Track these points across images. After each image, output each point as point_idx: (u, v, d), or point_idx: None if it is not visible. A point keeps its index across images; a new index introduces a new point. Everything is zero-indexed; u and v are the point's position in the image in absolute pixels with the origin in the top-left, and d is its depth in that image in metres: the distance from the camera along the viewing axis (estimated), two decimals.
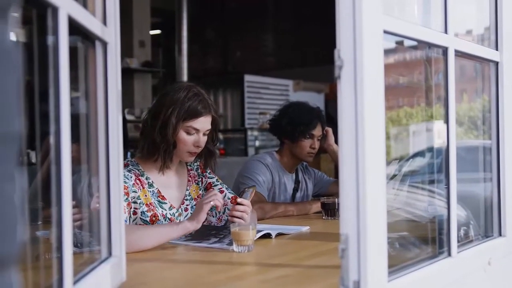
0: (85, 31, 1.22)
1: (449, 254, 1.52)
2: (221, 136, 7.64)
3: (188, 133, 2.20)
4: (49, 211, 1.09)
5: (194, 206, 2.32)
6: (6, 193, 0.58)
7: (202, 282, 1.56)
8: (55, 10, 1.01)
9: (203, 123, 2.22)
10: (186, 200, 2.34)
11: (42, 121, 1.07)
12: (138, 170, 2.23)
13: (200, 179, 2.42)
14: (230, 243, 1.92)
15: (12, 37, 0.60)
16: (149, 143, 2.22)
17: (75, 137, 1.19)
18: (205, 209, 2.00)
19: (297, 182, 3.16)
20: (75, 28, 1.13)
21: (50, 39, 1.04)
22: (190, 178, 2.39)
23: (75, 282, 1.10)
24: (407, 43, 1.56)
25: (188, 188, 2.36)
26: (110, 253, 1.38)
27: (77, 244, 1.33)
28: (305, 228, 2.36)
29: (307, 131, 3.00)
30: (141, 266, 1.74)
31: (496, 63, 1.82)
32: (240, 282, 1.56)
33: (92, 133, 1.39)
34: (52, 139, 1.03)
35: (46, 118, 1.05)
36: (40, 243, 1.33)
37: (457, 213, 1.57)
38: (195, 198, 2.37)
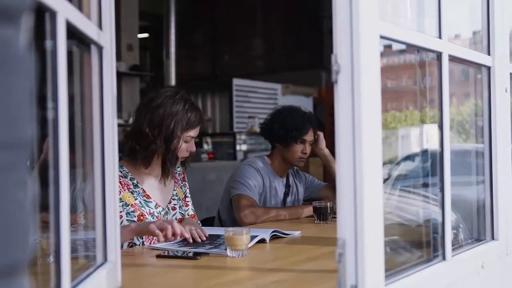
0: (81, 36, 1.22)
1: (444, 258, 1.53)
2: (209, 140, 7.63)
3: (186, 141, 2.32)
4: (42, 215, 1.08)
5: (182, 207, 2.45)
6: (18, 199, 0.57)
7: (197, 287, 1.55)
8: (53, 14, 1.00)
9: (198, 130, 2.37)
10: (174, 199, 2.43)
11: (38, 126, 1.06)
12: (121, 172, 2.25)
13: (183, 184, 2.54)
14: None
15: (25, 42, 0.60)
16: (149, 153, 2.28)
17: (69, 142, 1.19)
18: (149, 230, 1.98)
19: (288, 186, 3.16)
20: (71, 32, 1.12)
21: (47, 43, 1.03)
22: (176, 180, 2.48)
23: None
24: (395, 47, 1.57)
25: (175, 188, 2.45)
26: (105, 259, 1.38)
27: (72, 249, 1.32)
28: (297, 233, 2.36)
29: (299, 136, 3.00)
30: (136, 271, 1.73)
31: (488, 68, 1.83)
32: (235, 287, 1.56)
33: (87, 137, 1.38)
34: (50, 144, 1.02)
35: (43, 123, 1.04)
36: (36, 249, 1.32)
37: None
38: (182, 199, 2.47)
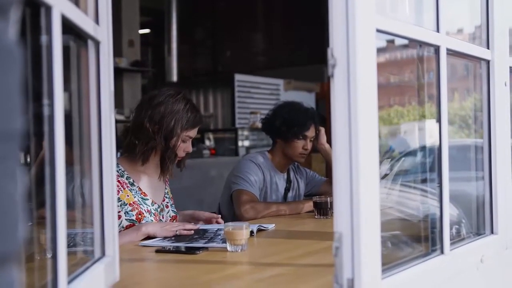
0: (78, 30, 1.22)
1: (442, 252, 1.53)
2: (211, 136, 7.63)
3: (184, 141, 2.34)
4: (41, 211, 1.09)
5: (172, 205, 2.49)
6: (8, 190, 0.58)
7: (196, 281, 1.56)
8: (48, 9, 1.00)
9: (196, 131, 2.39)
10: (166, 197, 2.47)
11: (33, 121, 1.06)
12: (118, 171, 2.26)
13: (169, 183, 2.56)
14: (224, 241, 1.92)
15: (13, 35, 0.60)
16: (148, 149, 2.30)
17: (67, 138, 1.19)
18: (165, 234, 2.14)
19: (288, 181, 3.16)
20: (67, 27, 1.12)
21: (43, 38, 1.03)
22: (166, 180, 2.51)
23: (69, 282, 1.10)
24: (398, 41, 1.57)
25: (166, 187, 2.49)
26: (103, 253, 1.38)
27: (69, 244, 1.33)
28: (271, 226, 2.39)
29: (301, 132, 3.00)
30: (134, 266, 1.73)
31: (487, 62, 1.83)
32: (234, 281, 1.56)
33: (84, 133, 1.38)
34: (45, 140, 1.02)
35: (37, 118, 1.04)
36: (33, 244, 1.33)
37: (449, 212, 1.58)
38: (171, 198, 2.51)
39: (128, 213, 2.24)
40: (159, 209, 2.38)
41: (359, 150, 1.17)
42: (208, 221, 2.44)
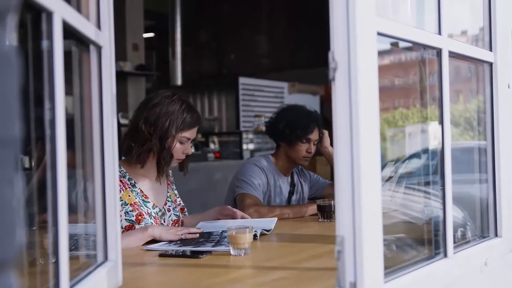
0: (79, 35, 1.22)
1: (445, 255, 1.52)
2: (216, 139, 7.62)
3: (181, 142, 2.33)
4: (45, 216, 1.09)
5: (175, 208, 2.47)
6: (5, 197, 0.58)
7: (199, 285, 1.56)
8: (49, 14, 1.01)
9: (194, 132, 2.37)
10: (168, 201, 2.46)
11: (36, 126, 1.07)
12: (120, 172, 2.27)
13: (174, 186, 2.56)
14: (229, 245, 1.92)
15: (11, 41, 0.60)
16: (144, 151, 2.29)
17: (69, 142, 1.19)
18: (171, 237, 2.13)
19: (292, 185, 3.16)
20: (69, 32, 1.12)
21: (44, 44, 1.03)
22: (169, 183, 2.51)
23: (71, 286, 1.10)
24: (402, 44, 1.57)
25: (168, 191, 2.48)
26: (106, 257, 1.38)
27: (72, 247, 1.33)
28: (273, 222, 2.41)
29: (304, 135, 3.00)
30: (137, 270, 1.73)
31: (490, 64, 1.82)
32: (237, 285, 1.56)
33: (86, 138, 1.38)
34: (47, 144, 1.03)
35: (40, 123, 1.05)
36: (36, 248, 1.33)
37: (454, 214, 1.57)
38: (174, 201, 2.50)
39: (128, 213, 2.24)
40: (160, 213, 2.37)
41: (360, 153, 1.17)
42: (234, 217, 2.47)
